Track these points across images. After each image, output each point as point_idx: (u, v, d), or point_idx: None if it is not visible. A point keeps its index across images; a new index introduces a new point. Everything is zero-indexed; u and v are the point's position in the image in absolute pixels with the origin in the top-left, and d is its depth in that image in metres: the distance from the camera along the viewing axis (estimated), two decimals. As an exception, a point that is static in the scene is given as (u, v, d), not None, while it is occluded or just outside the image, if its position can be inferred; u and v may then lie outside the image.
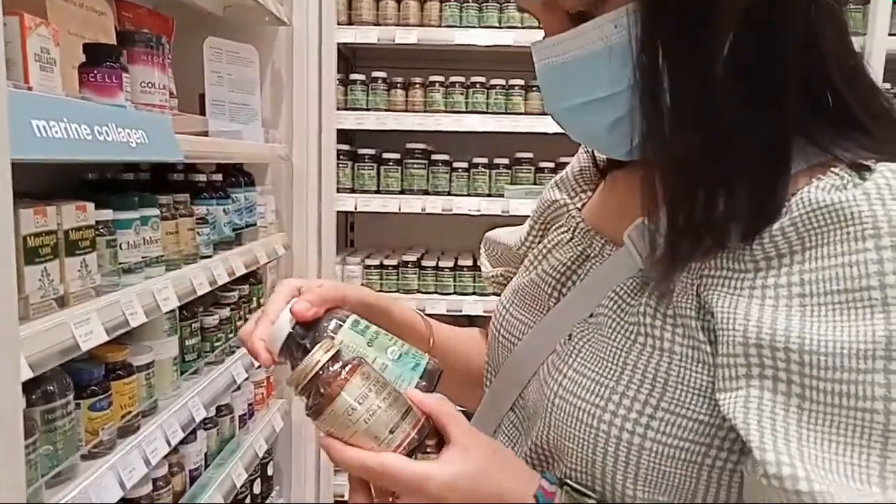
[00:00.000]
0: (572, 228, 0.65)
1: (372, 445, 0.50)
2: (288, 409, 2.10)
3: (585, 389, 0.53)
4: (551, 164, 2.25)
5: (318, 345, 0.53)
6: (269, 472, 2.02)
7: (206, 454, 1.54)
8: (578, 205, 0.67)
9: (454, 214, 2.20)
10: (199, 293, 1.32)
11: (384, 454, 0.49)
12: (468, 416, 0.63)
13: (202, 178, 1.53)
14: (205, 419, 1.50)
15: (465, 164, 2.23)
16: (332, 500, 2.27)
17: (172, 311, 1.30)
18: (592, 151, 0.69)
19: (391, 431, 0.49)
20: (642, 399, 0.50)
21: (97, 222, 1.02)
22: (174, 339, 1.35)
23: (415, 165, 2.22)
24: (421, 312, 0.73)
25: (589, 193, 0.68)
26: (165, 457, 1.25)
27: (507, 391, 0.62)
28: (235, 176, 1.72)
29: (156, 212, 1.22)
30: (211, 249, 1.49)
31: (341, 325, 0.58)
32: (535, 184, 2.24)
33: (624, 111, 0.51)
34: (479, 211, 2.18)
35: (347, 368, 0.52)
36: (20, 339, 0.76)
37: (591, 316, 0.57)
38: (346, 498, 2.28)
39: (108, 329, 0.98)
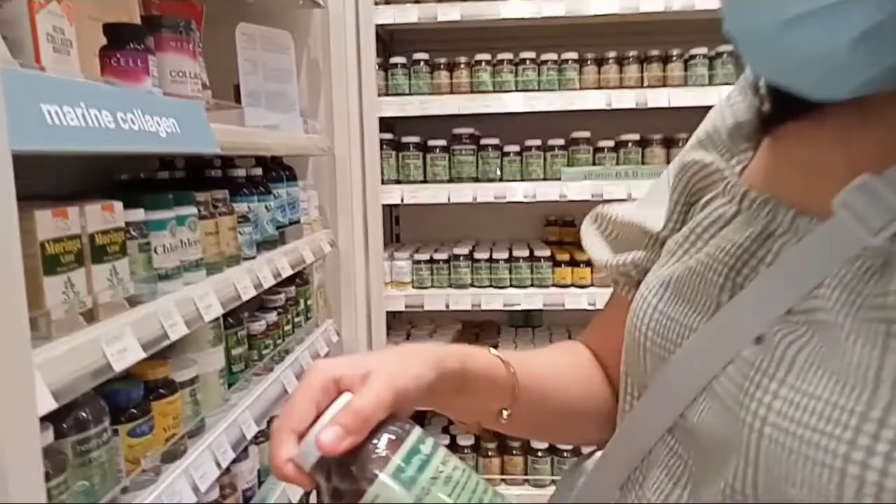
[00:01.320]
0: (737, 199, 0.49)
1: None
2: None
3: (817, 416, 0.37)
4: (611, 143, 2.07)
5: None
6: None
7: (259, 471, 1.42)
8: (737, 169, 0.51)
9: (507, 202, 2.04)
10: (245, 298, 1.20)
11: None
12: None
13: (241, 173, 1.41)
14: (256, 433, 1.38)
15: (516, 148, 2.07)
16: None
17: (216, 319, 1.18)
18: (760, 98, 0.52)
19: None
20: None
21: (127, 224, 0.90)
22: (220, 349, 1.24)
23: (463, 152, 2.07)
24: (500, 355, 0.57)
25: (750, 153, 0.52)
26: (216, 479, 1.13)
27: (662, 411, 0.47)
28: (276, 171, 1.60)
29: (193, 210, 1.09)
30: (254, 250, 1.37)
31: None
32: (594, 164, 2.06)
33: (883, 14, 0.34)
34: (534, 197, 2.02)
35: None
36: (36, 365, 0.64)
37: (789, 312, 0.41)
38: None
39: (144, 344, 0.86)
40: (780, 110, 0.49)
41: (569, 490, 0.59)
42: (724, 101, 0.56)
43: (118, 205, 0.88)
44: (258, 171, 1.49)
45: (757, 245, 0.46)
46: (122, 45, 0.96)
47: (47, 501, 0.69)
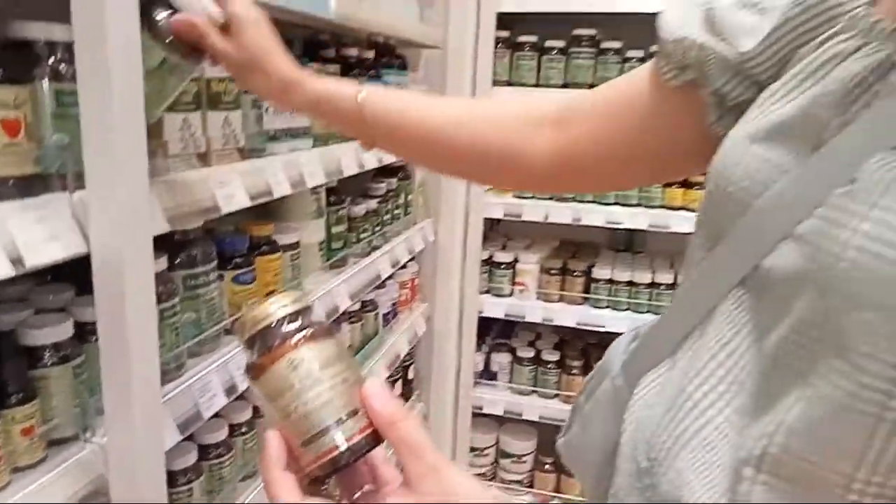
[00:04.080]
0: (865, 31, 0.42)
1: (296, 441, 0.39)
2: (431, 314, 2.03)
3: None
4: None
5: (283, 293, 0.42)
6: (410, 376, 1.98)
7: (349, 348, 1.49)
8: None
9: (623, 113, 1.92)
10: (346, 174, 1.22)
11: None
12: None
13: (353, 53, 1.41)
14: (349, 313, 1.44)
15: (640, 54, 1.92)
16: (469, 409, 2.21)
17: (318, 189, 1.21)
18: None
19: (322, 433, 0.39)
20: None
21: (242, 78, 0.92)
22: (321, 222, 1.27)
23: (581, 55, 1.95)
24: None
25: None
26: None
27: (737, 260, 0.43)
28: (388, 57, 1.58)
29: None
30: (360, 131, 1.37)
31: None
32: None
33: None
34: (653, 109, 1.88)
35: (307, 332, 0.40)
36: (152, 191, 0.67)
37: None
38: (483, 410, 2.21)
39: (251, 195, 0.89)
40: None
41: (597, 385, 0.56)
42: None
43: (234, 56, 0.90)
44: (371, 55, 1.48)
45: (876, 76, 0.40)
46: None
47: (159, 321, 0.75)
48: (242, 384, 0.91)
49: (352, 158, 1.25)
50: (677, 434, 0.44)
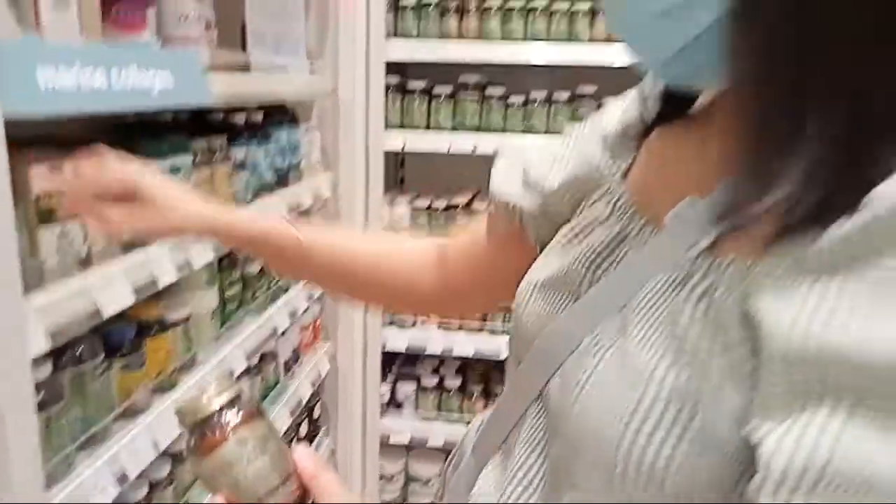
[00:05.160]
0: (613, 202, 0.54)
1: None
2: (334, 351, 2.08)
3: (607, 401, 0.45)
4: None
5: (217, 382, 0.50)
6: (316, 415, 2.03)
7: (249, 401, 1.52)
8: (623, 169, 0.56)
9: (509, 154, 2.05)
10: (237, 244, 1.26)
11: None
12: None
13: (241, 119, 1.44)
14: (246, 367, 1.47)
15: (521, 99, 2.06)
16: (377, 439, 2.28)
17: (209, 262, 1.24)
18: (644, 99, 0.56)
19: (265, 498, 0.48)
20: (668, 421, 0.42)
21: (122, 174, 0.95)
22: (213, 289, 1.30)
23: (467, 100, 2.07)
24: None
25: (634, 155, 0.57)
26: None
27: (533, 380, 0.54)
28: (278, 114, 1.62)
29: (188, 159, 1.14)
30: (250, 196, 1.41)
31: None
32: (597, 122, 2.05)
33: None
34: (535, 151, 2.03)
35: (241, 416, 0.49)
36: (32, 310, 0.71)
37: (622, 310, 0.47)
38: (391, 440, 2.29)
39: (136, 290, 0.92)
40: (660, 115, 0.53)
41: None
42: (623, 103, 0.60)
43: (113, 156, 0.93)
44: (259, 117, 1.52)
45: (614, 246, 0.52)
46: (120, -4, 0.98)
47: (46, 426, 0.78)
48: (133, 472, 0.94)
49: (242, 227, 1.29)
50: None
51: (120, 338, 0.99)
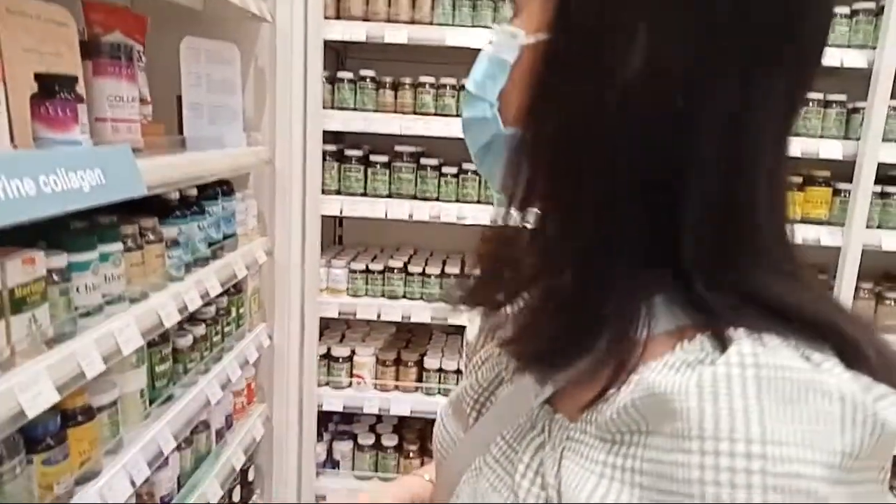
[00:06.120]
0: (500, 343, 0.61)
1: None
2: (269, 413, 2.08)
3: None
4: (544, 170, 2.18)
5: None
6: (250, 478, 2.01)
7: (178, 477, 1.52)
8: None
9: (442, 222, 2.14)
10: (167, 325, 1.28)
11: None
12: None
13: (175, 196, 1.47)
14: (179, 442, 1.47)
15: (454, 170, 2.16)
16: (313, 499, 2.27)
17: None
18: None
19: None
20: None
21: (49, 271, 0.97)
22: (142, 369, 1.31)
23: (403, 169, 2.15)
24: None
25: None
26: (129, 496, 1.22)
27: (444, 494, 0.59)
28: (212, 187, 1.66)
29: (118, 247, 1.16)
30: (182, 272, 1.44)
31: None
32: (526, 190, 2.17)
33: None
34: (465, 219, 2.12)
35: None
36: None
37: (483, 454, 0.53)
38: (328, 499, 2.28)
39: (60, 387, 0.94)
40: None
41: None
42: None
43: (40, 255, 0.95)
44: (193, 192, 1.55)
45: (493, 388, 0.57)
46: (52, 96, 1.02)
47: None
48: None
49: (172, 307, 1.31)
50: None
51: (43, 431, 1.00)
